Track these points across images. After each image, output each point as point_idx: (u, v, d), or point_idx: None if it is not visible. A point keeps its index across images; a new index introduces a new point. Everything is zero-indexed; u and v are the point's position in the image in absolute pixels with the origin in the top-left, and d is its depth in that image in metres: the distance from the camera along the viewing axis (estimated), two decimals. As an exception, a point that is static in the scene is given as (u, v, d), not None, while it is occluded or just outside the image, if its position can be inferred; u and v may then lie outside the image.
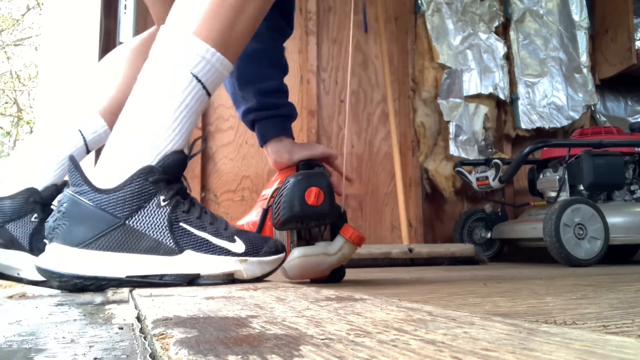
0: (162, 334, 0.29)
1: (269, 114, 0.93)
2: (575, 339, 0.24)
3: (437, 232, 2.31)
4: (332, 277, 0.92)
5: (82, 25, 1.82)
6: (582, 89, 2.50)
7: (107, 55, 1.14)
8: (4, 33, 6.49)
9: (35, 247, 0.93)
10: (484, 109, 2.33)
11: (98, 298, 0.91)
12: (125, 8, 1.91)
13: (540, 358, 0.21)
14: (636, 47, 2.43)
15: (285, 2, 0.96)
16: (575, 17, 2.55)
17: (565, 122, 2.45)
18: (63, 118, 1.05)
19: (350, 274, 1.05)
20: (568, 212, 1.57)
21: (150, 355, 0.30)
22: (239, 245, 0.68)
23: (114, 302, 0.85)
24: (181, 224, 0.65)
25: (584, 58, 2.52)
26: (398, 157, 2.10)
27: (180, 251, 0.65)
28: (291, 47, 2.21)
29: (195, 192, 1.96)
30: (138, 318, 0.44)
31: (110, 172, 0.64)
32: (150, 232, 0.63)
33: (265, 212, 0.88)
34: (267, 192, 0.90)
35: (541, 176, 1.91)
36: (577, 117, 2.46)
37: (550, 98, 2.45)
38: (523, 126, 2.38)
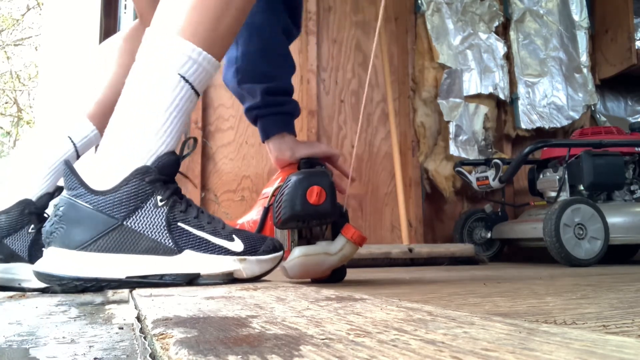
0: (162, 334, 0.29)
1: (273, 111, 0.93)
2: (575, 338, 0.24)
3: (437, 232, 2.31)
4: (333, 276, 0.92)
5: (82, 25, 1.82)
6: (582, 89, 2.50)
7: (92, 55, 1.14)
8: (4, 33, 6.49)
9: (35, 257, 0.93)
10: (484, 109, 2.33)
11: (98, 298, 0.91)
12: (125, 8, 1.91)
13: (540, 358, 0.21)
14: (636, 47, 2.43)
15: (293, 1, 0.96)
16: (575, 17, 2.55)
17: (565, 122, 2.45)
18: (52, 124, 1.05)
19: (351, 273, 1.05)
20: (568, 212, 1.57)
21: (150, 355, 0.30)
22: (237, 244, 0.68)
23: (114, 302, 0.85)
24: (179, 223, 0.65)
25: (584, 58, 2.52)
26: (398, 157, 2.10)
27: (180, 251, 0.65)
28: (291, 47, 2.21)
29: (195, 192, 1.96)
30: (138, 318, 0.44)
31: (106, 173, 0.64)
32: (149, 233, 0.63)
33: (266, 211, 0.88)
34: (268, 190, 0.90)
35: (541, 176, 1.91)
36: (577, 117, 2.46)
37: (550, 98, 2.45)
38: (523, 126, 2.38)
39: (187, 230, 0.65)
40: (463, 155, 2.24)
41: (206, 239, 0.66)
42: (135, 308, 0.49)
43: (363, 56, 2.32)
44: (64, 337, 0.50)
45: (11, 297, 0.91)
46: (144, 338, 0.35)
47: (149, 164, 0.64)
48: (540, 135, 2.42)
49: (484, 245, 2.09)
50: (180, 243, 0.65)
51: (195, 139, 0.74)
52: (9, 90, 6.51)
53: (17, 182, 0.99)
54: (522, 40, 2.46)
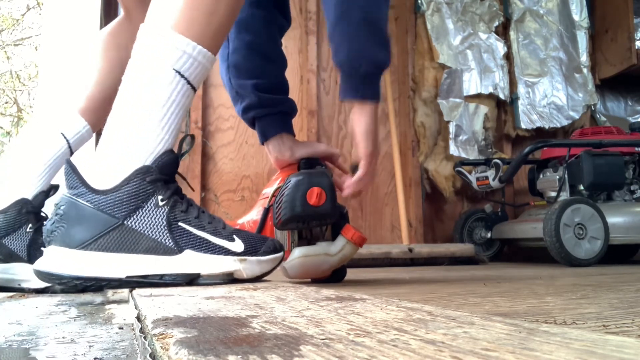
0: (162, 334, 0.29)
1: (269, 111, 0.93)
2: (575, 338, 0.24)
3: (437, 232, 2.31)
4: (333, 277, 0.92)
5: (82, 25, 1.82)
6: (582, 88, 2.50)
7: (81, 51, 1.14)
8: (4, 33, 6.49)
9: (33, 256, 0.94)
10: (484, 109, 2.33)
11: (98, 298, 0.91)
12: (125, 8, 1.91)
13: (540, 358, 0.21)
14: (636, 47, 2.43)
15: None
16: (575, 17, 2.55)
17: (565, 122, 2.45)
18: (45, 121, 1.05)
19: (351, 273, 1.05)
20: (568, 212, 1.57)
21: (150, 355, 0.30)
22: (238, 245, 0.68)
23: (114, 302, 0.85)
24: (180, 223, 0.65)
25: (584, 58, 2.52)
26: (398, 157, 2.10)
27: (180, 251, 0.65)
28: (291, 47, 2.21)
29: (195, 192, 1.96)
30: (138, 318, 0.44)
31: (107, 172, 0.64)
32: (149, 232, 0.63)
33: (266, 212, 0.88)
34: (268, 191, 0.90)
35: (541, 176, 1.91)
36: (577, 117, 2.46)
37: (550, 98, 2.45)
38: (523, 126, 2.38)
39: (187, 230, 0.65)
40: (463, 155, 2.24)
41: (206, 239, 0.66)
42: (135, 308, 0.49)
43: (363, 56, 2.31)
44: (64, 337, 0.50)
45: (11, 297, 0.91)
46: (144, 338, 0.35)
47: (148, 163, 0.64)
48: (540, 135, 2.42)
49: (484, 245, 2.09)
50: (181, 243, 0.65)
51: (192, 136, 0.74)
52: (9, 90, 6.51)
53: (12, 181, 0.99)
54: (522, 40, 2.46)
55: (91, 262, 0.61)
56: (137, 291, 0.58)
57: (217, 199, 2.04)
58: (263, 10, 0.94)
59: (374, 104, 0.86)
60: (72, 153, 1.03)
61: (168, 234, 0.64)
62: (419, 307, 0.38)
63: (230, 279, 0.68)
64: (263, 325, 0.31)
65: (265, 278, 0.73)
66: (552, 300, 0.63)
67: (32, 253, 0.95)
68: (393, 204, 2.23)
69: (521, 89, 2.41)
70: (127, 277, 0.62)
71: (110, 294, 1.00)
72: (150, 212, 0.64)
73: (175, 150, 0.68)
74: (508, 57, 2.43)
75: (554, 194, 1.81)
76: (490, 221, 2.08)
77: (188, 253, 0.65)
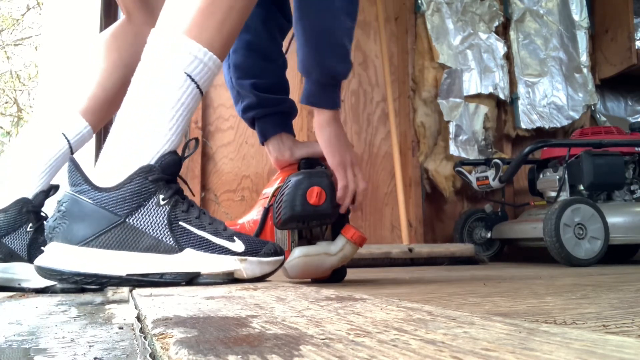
0: (162, 334, 0.29)
1: (269, 111, 0.93)
2: (575, 338, 0.24)
3: (437, 232, 2.31)
4: (333, 277, 0.92)
5: (82, 25, 1.82)
6: (582, 88, 2.50)
7: (82, 52, 1.15)
8: (4, 33, 6.49)
9: (34, 256, 0.94)
10: (484, 109, 2.33)
11: (98, 298, 0.91)
12: (125, 8, 1.91)
13: (540, 358, 0.21)
14: (636, 47, 2.43)
15: None
16: (575, 17, 2.54)
17: (565, 122, 2.45)
18: (46, 120, 1.05)
19: (351, 273, 1.05)
20: (568, 212, 1.57)
21: (150, 355, 0.30)
22: (238, 245, 0.69)
23: (114, 302, 0.85)
24: (181, 222, 0.66)
25: (584, 58, 2.52)
26: (398, 157, 2.10)
27: (180, 249, 0.65)
28: (291, 47, 2.21)
29: (195, 192, 1.96)
30: (138, 318, 0.44)
31: (110, 171, 0.64)
32: (150, 231, 0.64)
33: (266, 211, 0.88)
34: (269, 190, 0.90)
35: (541, 176, 1.91)
36: (577, 117, 2.46)
37: (550, 98, 2.45)
38: (523, 126, 2.38)
39: (188, 230, 0.66)
40: (463, 155, 2.24)
41: (207, 239, 0.67)
42: (135, 308, 0.49)
43: (363, 56, 2.31)
44: (64, 337, 0.50)
45: (11, 297, 0.91)
46: (144, 338, 0.35)
47: (152, 162, 0.65)
48: (540, 135, 2.42)
49: (484, 245, 2.09)
50: (182, 242, 0.65)
51: (197, 140, 0.74)
52: (9, 90, 6.51)
53: (13, 180, 0.99)
54: (522, 40, 2.45)
55: (92, 259, 0.62)
56: (137, 291, 0.58)
57: (217, 199, 2.04)
58: (263, 9, 0.94)
59: (333, 112, 0.87)
60: (72, 153, 1.03)
61: (169, 233, 0.65)
62: (419, 307, 0.38)
63: (231, 278, 0.68)
64: (263, 325, 0.31)
65: (265, 279, 0.73)
66: (552, 300, 0.63)
67: (32, 252, 0.95)
68: (393, 204, 2.23)
69: (521, 89, 2.41)
70: (128, 275, 0.63)
71: (110, 293, 1.00)
72: (152, 210, 0.64)
73: (179, 152, 0.69)
74: (508, 57, 2.43)
75: (554, 194, 1.81)
76: (490, 221, 2.08)
77: (188, 252, 0.65)
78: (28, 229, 0.97)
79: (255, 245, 0.70)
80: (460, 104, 2.29)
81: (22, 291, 0.95)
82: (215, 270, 0.66)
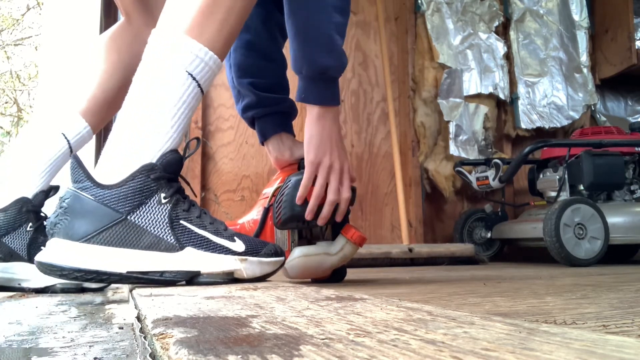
0: (162, 334, 0.29)
1: (268, 111, 0.93)
2: (575, 338, 0.24)
3: (437, 232, 2.31)
4: (333, 277, 0.92)
5: (82, 24, 1.82)
6: (582, 88, 2.50)
7: (82, 52, 1.15)
8: (4, 33, 6.49)
9: (34, 255, 0.94)
10: (484, 109, 2.33)
11: (98, 298, 0.91)
12: (125, 8, 1.91)
13: (540, 358, 0.21)
14: (636, 47, 2.43)
15: None
16: (575, 17, 2.54)
17: (565, 122, 2.45)
18: (46, 121, 1.05)
19: (351, 273, 1.05)
20: (568, 212, 1.57)
21: (150, 355, 0.30)
22: (239, 245, 0.69)
23: (114, 301, 0.85)
24: (181, 221, 0.66)
25: (584, 58, 2.52)
26: (398, 157, 2.10)
27: (181, 248, 0.65)
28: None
29: (195, 192, 1.96)
30: (138, 318, 0.44)
31: (112, 168, 0.65)
32: (151, 228, 0.64)
33: (266, 211, 0.88)
34: (269, 190, 0.90)
35: (541, 176, 1.91)
36: (577, 117, 2.46)
37: (550, 98, 2.45)
38: (523, 126, 2.38)
39: (189, 228, 0.66)
40: (463, 155, 2.24)
41: (208, 238, 0.67)
42: (135, 308, 0.49)
43: (363, 56, 2.32)
44: (64, 337, 0.50)
45: (11, 296, 0.91)
46: (144, 338, 0.35)
47: (154, 160, 0.65)
48: (540, 135, 2.41)
49: (484, 245, 2.09)
50: (182, 240, 0.65)
51: (198, 140, 0.74)
52: (9, 90, 6.51)
53: (13, 180, 0.99)
54: (522, 40, 2.45)
55: (93, 255, 0.62)
56: (137, 291, 0.58)
57: (217, 199, 2.04)
58: (262, 9, 0.94)
59: (323, 110, 0.84)
60: (72, 153, 1.03)
61: (170, 231, 0.65)
62: (419, 307, 0.38)
63: (231, 278, 0.68)
64: (263, 325, 0.31)
65: (265, 280, 0.73)
66: (552, 300, 0.63)
67: (33, 252, 0.95)
68: (393, 204, 2.23)
69: (521, 89, 2.41)
70: (128, 272, 0.63)
71: (110, 293, 1.00)
72: (153, 208, 0.65)
73: (181, 151, 0.69)
74: (508, 57, 2.43)
75: (554, 194, 1.81)
76: (490, 221, 2.08)
77: (189, 250, 0.65)
78: (28, 229, 0.97)
79: (255, 246, 0.71)
80: (460, 104, 2.29)
81: (22, 291, 0.95)
82: (216, 270, 0.66)
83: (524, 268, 1.52)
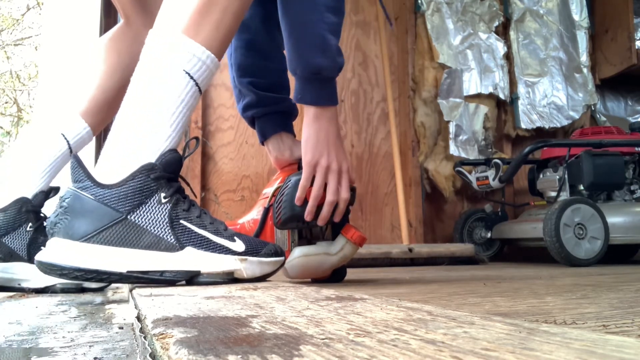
0: (162, 334, 0.29)
1: (268, 111, 0.93)
2: (575, 338, 0.24)
3: (437, 232, 2.31)
4: (333, 277, 0.92)
5: (82, 25, 1.82)
6: (582, 88, 2.50)
7: (82, 53, 1.15)
8: (4, 33, 6.49)
9: (34, 255, 0.94)
10: (484, 109, 2.33)
11: (98, 298, 0.91)
12: (125, 8, 1.90)
13: (540, 358, 0.21)
14: (636, 47, 2.43)
15: None
16: (575, 17, 2.54)
17: (565, 122, 2.45)
18: (46, 121, 1.05)
19: (351, 273, 1.05)
20: (568, 212, 1.57)
21: (150, 355, 0.30)
22: (239, 245, 0.69)
23: (114, 301, 0.85)
24: (182, 221, 0.66)
25: (584, 58, 2.52)
26: (398, 157, 2.10)
27: (181, 247, 0.65)
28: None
29: (195, 192, 1.96)
30: (138, 318, 0.44)
31: (112, 168, 0.65)
32: (151, 228, 0.64)
33: (266, 211, 0.88)
34: (269, 190, 0.90)
35: (541, 176, 1.91)
36: (577, 117, 2.46)
37: (550, 98, 2.45)
38: (523, 126, 2.38)
39: (189, 228, 0.66)
40: (463, 155, 2.24)
41: (208, 238, 0.67)
42: (135, 308, 0.49)
43: (363, 56, 2.32)
44: (64, 337, 0.50)
45: (11, 297, 0.91)
46: (144, 338, 0.35)
47: (153, 160, 0.65)
48: (540, 135, 2.41)
49: (484, 245, 2.09)
50: (182, 240, 0.65)
51: (197, 139, 0.74)
52: (9, 90, 6.51)
53: (13, 180, 0.99)
54: (522, 40, 2.45)
55: (93, 254, 0.62)
56: (137, 291, 0.58)
57: (217, 199, 2.04)
58: (262, 8, 0.94)
59: (319, 110, 0.83)
60: (72, 154, 1.03)
61: (170, 231, 0.65)
62: (419, 307, 0.38)
63: (231, 278, 0.68)
64: (263, 325, 0.31)
65: (265, 279, 0.73)
66: (552, 300, 0.63)
67: (32, 252, 0.95)
68: (393, 204, 2.23)
69: (521, 89, 2.41)
70: (128, 271, 0.63)
71: (110, 293, 1.00)
72: (153, 208, 0.65)
73: (180, 151, 0.69)
74: (508, 57, 2.43)
75: (554, 194, 1.81)
76: (490, 221, 2.08)
77: (189, 250, 0.65)
78: (28, 229, 0.97)
79: (255, 246, 0.71)
80: (460, 104, 2.29)
81: (22, 291, 0.95)
82: (216, 270, 0.66)
83: (524, 268, 1.52)
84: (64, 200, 0.64)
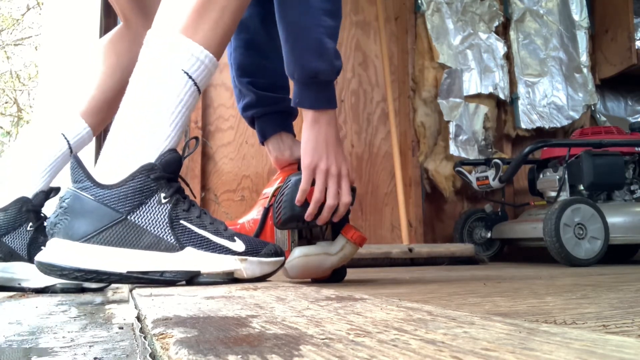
0: (162, 334, 0.29)
1: (268, 110, 0.93)
2: (575, 338, 0.24)
3: (437, 232, 2.31)
4: (333, 277, 0.92)
5: (82, 25, 1.82)
6: (582, 88, 2.50)
7: (82, 53, 1.16)
8: (4, 33, 6.49)
9: (34, 255, 0.94)
10: (484, 109, 2.33)
11: (98, 298, 0.91)
12: (125, 8, 1.90)
13: (540, 358, 0.21)
14: (636, 47, 2.43)
15: None
16: (575, 17, 2.54)
17: (565, 122, 2.45)
18: (46, 122, 1.06)
19: (351, 273, 1.05)
20: (568, 212, 1.57)
21: (150, 355, 0.30)
22: (239, 245, 0.69)
23: (114, 301, 0.85)
24: (182, 221, 0.66)
25: (584, 58, 2.52)
26: (398, 157, 2.10)
27: (181, 248, 0.65)
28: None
29: (195, 192, 1.96)
30: (138, 318, 0.44)
31: (112, 168, 0.65)
32: (151, 228, 0.64)
33: (266, 211, 0.88)
34: (269, 190, 0.90)
35: (541, 176, 1.91)
36: (577, 117, 2.46)
37: (550, 98, 2.45)
38: (523, 126, 2.38)
39: (189, 228, 0.66)
40: (463, 155, 2.24)
41: (208, 238, 0.67)
42: (135, 308, 0.49)
43: (363, 56, 2.32)
44: (64, 337, 0.50)
45: (11, 296, 0.91)
46: (144, 338, 0.35)
47: (153, 160, 0.65)
48: (540, 135, 2.41)
49: (484, 245, 2.09)
50: (182, 240, 0.65)
51: (197, 139, 0.74)
52: (9, 90, 6.51)
53: (13, 180, 0.99)
54: (522, 40, 2.45)
55: (93, 255, 0.62)
56: (137, 291, 0.58)
57: (217, 199, 2.04)
58: (261, 8, 0.94)
59: (317, 113, 0.82)
60: (72, 154, 1.03)
61: (170, 231, 0.65)
62: (419, 307, 0.38)
63: (231, 278, 0.68)
64: (263, 325, 0.31)
65: (265, 280, 0.73)
66: (552, 300, 0.63)
67: (33, 252, 0.95)
68: (393, 204, 2.23)
69: (521, 89, 2.41)
70: (128, 272, 0.63)
71: (110, 293, 1.00)
72: (153, 208, 0.65)
73: (180, 151, 0.69)
74: (508, 57, 2.43)
75: (554, 194, 1.81)
76: (490, 221, 2.08)
77: (189, 250, 0.65)
78: (28, 228, 0.97)
79: (255, 246, 0.71)
80: (460, 104, 2.29)
81: (22, 291, 0.95)
82: (216, 270, 0.66)
83: (524, 268, 1.52)
84: (63, 201, 0.64)
